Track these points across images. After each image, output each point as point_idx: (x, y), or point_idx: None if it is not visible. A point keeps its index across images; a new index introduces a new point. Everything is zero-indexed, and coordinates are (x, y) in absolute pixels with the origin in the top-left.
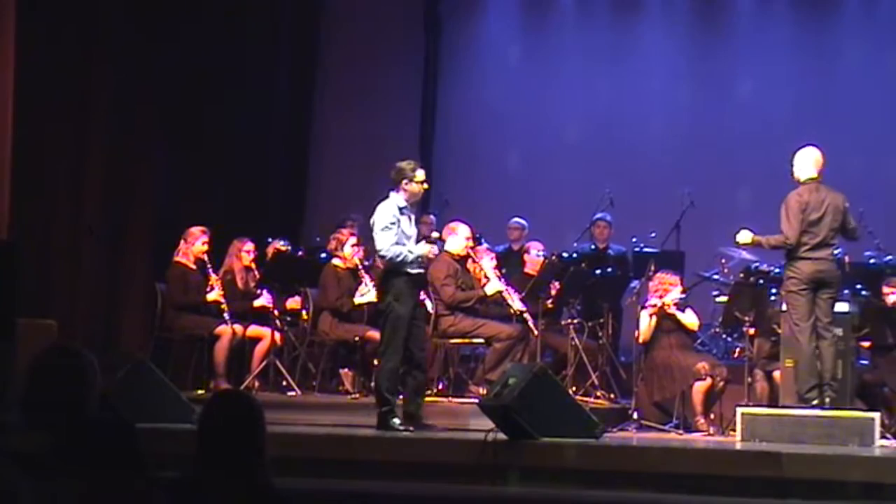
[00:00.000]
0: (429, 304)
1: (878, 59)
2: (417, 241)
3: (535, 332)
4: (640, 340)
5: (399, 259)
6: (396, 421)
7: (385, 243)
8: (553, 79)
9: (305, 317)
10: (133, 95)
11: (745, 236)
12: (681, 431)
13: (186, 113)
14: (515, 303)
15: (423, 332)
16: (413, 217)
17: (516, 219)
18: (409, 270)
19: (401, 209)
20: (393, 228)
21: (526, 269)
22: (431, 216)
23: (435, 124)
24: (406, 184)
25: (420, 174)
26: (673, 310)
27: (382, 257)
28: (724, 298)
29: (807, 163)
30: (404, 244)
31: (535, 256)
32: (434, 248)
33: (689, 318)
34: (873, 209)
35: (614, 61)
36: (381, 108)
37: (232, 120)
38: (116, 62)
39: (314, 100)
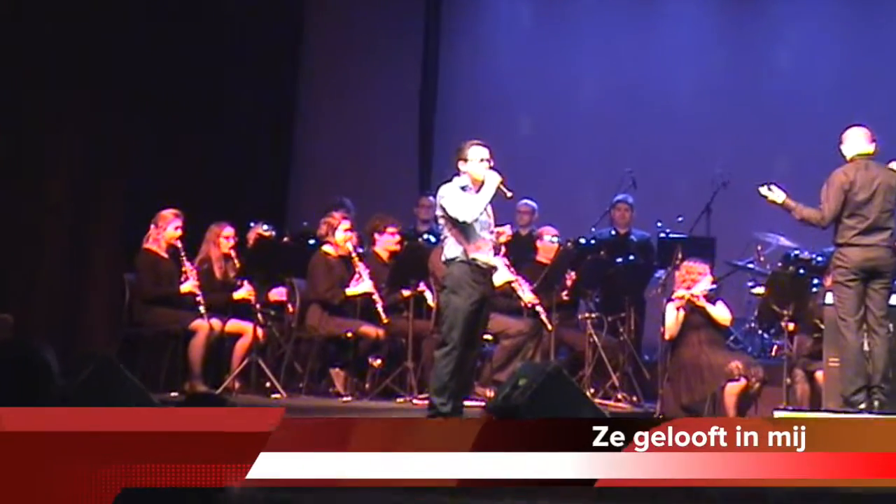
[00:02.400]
0: (429, 297)
1: None
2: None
3: (549, 328)
4: (666, 337)
5: (475, 211)
6: None
7: (457, 207)
8: (570, 44)
9: (291, 310)
10: (105, 73)
11: (777, 194)
12: None
13: (160, 85)
14: (526, 295)
15: (486, 319)
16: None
17: (526, 200)
18: (471, 258)
19: (462, 188)
20: (460, 194)
21: (538, 257)
22: (430, 198)
23: (436, 93)
24: (462, 164)
25: (475, 152)
26: (702, 302)
27: (459, 220)
28: (760, 290)
29: (856, 138)
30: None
31: (548, 243)
32: (497, 177)
33: (721, 312)
34: None
35: (638, 26)
36: (376, 76)
37: (210, 92)
38: (89, 41)
39: (301, 63)
